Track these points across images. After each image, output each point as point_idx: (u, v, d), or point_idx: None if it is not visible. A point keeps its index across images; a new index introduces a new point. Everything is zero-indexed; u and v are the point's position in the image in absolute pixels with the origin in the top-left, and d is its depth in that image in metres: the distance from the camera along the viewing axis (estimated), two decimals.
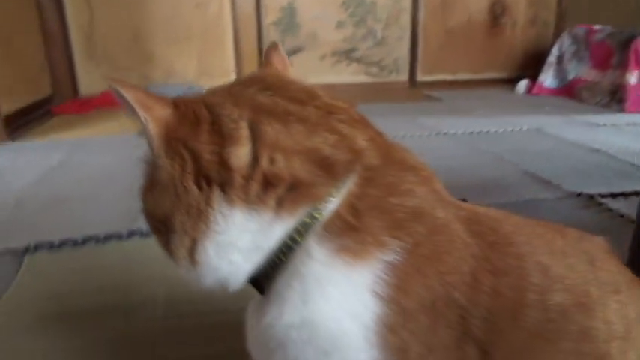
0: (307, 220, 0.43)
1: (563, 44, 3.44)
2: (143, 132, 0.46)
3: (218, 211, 0.44)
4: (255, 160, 0.44)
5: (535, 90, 3.49)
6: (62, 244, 1.23)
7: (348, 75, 3.84)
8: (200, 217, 0.44)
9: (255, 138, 0.44)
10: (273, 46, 0.58)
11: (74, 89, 3.33)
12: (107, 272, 1.12)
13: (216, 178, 0.44)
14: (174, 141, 0.45)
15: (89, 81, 3.34)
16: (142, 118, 0.45)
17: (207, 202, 0.44)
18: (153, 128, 0.45)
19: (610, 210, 1.48)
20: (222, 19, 3.49)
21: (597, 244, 0.53)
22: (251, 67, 3.60)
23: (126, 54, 3.37)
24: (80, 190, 1.71)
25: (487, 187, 1.71)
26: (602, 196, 1.57)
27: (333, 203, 0.43)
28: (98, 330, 0.92)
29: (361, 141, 0.46)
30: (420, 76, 3.96)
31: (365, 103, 3.28)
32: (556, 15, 4.01)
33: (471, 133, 2.44)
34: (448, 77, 4.01)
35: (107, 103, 3.03)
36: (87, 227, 1.33)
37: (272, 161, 0.44)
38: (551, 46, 3.55)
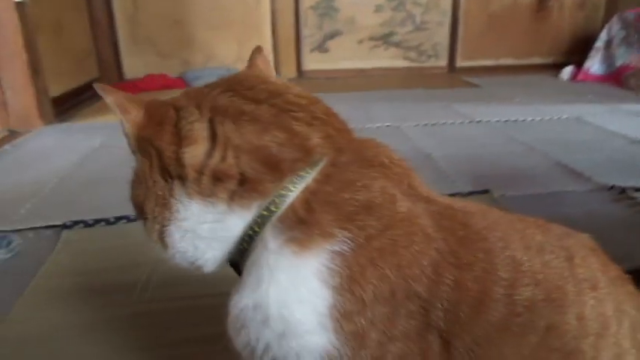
0: (265, 213, 0.46)
1: (612, 29, 3.28)
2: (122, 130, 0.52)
3: (179, 201, 0.49)
4: (208, 157, 0.48)
5: (580, 77, 3.36)
6: (96, 222, 1.31)
7: (385, 60, 3.81)
8: (165, 205, 0.50)
9: (212, 137, 0.48)
10: (258, 50, 0.62)
11: (119, 73, 3.47)
12: (135, 250, 1.19)
13: (174, 173, 0.49)
14: (144, 140, 0.51)
15: (133, 65, 3.47)
16: (120, 120, 0.51)
17: (171, 193, 0.49)
18: (128, 128, 0.51)
19: None
20: (261, 3, 3.53)
21: (580, 241, 0.54)
22: (288, 51, 3.63)
23: (167, 39, 3.47)
24: (117, 171, 1.78)
25: (514, 178, 1.68)
26: (636, 189, 1.52)
27: (289, 198, 0.46)
28: (123, 306, 0.99)
29: (315, 139, 0.49)
30: (460, 62, 3.88)
31: (401, 89, 3.28)
32: None
33: (507, 121, 2.39)
34: (489, 63, 3.92)
35: (151, 87, 3.15)
36: (120, 208, 1.41)
37: (223, 159, 0.47)
38: (600, 30, 3.40)
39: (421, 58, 3.85)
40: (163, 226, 0.50)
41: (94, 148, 2.07)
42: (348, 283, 0.42)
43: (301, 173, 0.46)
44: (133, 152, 0.53)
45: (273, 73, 0.60)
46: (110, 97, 0.50)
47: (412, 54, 3.83)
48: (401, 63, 3.83)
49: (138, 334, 0.92)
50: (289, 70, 3.67)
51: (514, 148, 2.00)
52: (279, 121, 0.49)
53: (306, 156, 0.47)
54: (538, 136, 2.12)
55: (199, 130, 0.49)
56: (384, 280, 0.43)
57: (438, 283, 0.44)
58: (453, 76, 3.74)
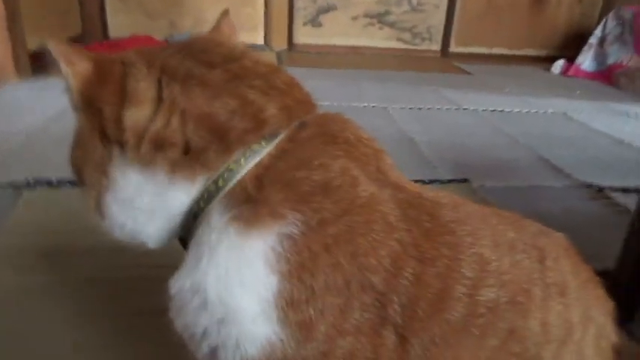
0: (211, 188, 0.43)
1: (608, 25, 3.25)
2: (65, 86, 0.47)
3: (117, 168, 0.45)
4: (150, 121, 0.43)
5: (571, 72, 3.34)
6: (60, 183, 1.26)
7: (379, 40, 3.74)
8: (103, 172, 0.46)
9: (157, 100, 0.44)
10: (224, 13, 0.58)
11: (104, 31, 3.34)
12: None
13: (113, 137, 0.45)
14: (86, 97, 0.46)
15: (119, 24, 3.35)
16: (64, 72, 0.46)
17: (109, 159, 0.45)
18: (72, 82, 0.46)
19: (617, 205, 1.42)
20: None
21: (555, 241, 0.51)
22: (280, 22, 3.54)
23: None
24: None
25: (495, 168, 1.66)
26: (614, 189, 1.52)
27: (239, 173, 0.42)
28: (82, 271, 0.95)
29: (271, 109, 0.44)
30: (453, 47, 3.83)
31: (392, 70, 3.23)
32: None
33: (494, 111, 2.36)
34: (483, 50, 3.87)
35: (136, 47, 3.04)
36: None
37: (166, 124, 0.43)
38: (595, 26, 3.37)
39: (415, 41, 3.79)
40: (100, 194, 0.46)
41: (68, 107, 1.99)
42: (297, 270, 0.39)
43: (254, 146, 0.43)
44: (75, 110, 0.48)
45: (238, 39, 0.56)
46: (55, 47, 0.45)
47: (406, 35, 3.76)
48: (394, 44, 3.76)
49: (95, 301, 0.88)
50: (279, 42, 3.58)
51: (499, 139, 1.98)
52: (231, 87, 0.44)
53: (258, 127, 0.43)
54: (524, 129, 2.11)
55: (145, 89, 0.44)
56: (337, 268, 0.39)
57: (396, 276, 0.41)
58: (446, 61, 3.69)
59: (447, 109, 2.35)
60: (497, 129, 2.10)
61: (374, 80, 2.81)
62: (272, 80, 0.47)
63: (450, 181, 1.48)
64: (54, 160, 1.44)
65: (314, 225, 0.40)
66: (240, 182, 0.42)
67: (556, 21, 3.86)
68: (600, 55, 3.28)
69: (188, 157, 0.43)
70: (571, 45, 3.71)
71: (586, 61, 3.32)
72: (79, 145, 0.48)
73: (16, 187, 1.25)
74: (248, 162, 0.42)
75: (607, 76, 3.18)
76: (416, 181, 1.50)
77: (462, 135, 2.00)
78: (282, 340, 0.39)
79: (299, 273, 0.39)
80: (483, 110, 2.36)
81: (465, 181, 1.48)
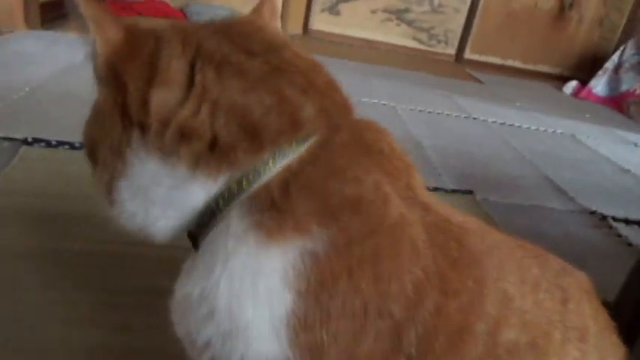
0: (234, 188, 0.39)
1: (625, 53, 3.23)
2: (90, 52, 0.43)
3: (135, 154, 0.41)
4: (178, 106, 0.40)
5: (583, 94, 3.32)
6: (59, 144, 1.22)
7: (395, 36, 3.69)
8: (119, 155, 0.42)
9: (188, 83, 0.40)
10: None
11: None
12: None
13: (135, 118, 0.41)
14: (113, 68, 0.42)
15: None
16: (92, 36, 0.42)
17: (127, 141, 0.41)
18: (100, 49, 0.42)
19: (619, 235, 1.41)
20: None
21: (578, 281, 0.49)
22: (298, 5, 3.48)
23: None
24: (94, 92, 1.69)
25: (500, 183, 1.64)
26: (616, 219, 1.50)
27: (266, 175, 0.39)
28: (73, 239, 0.92)
29: (309, 110, 0.41)
30: (468, 54, 3.79)
31: (404, 69, 3.18)
32: (627, 19, 3.76)
33: (503, 124, 2.34)
34: (497, 61, 3.84)
35: (148, 12, 2.98)
36: None
37: (195, 112, 0.39)
38: (612, 52, 3.34)
39: (430, 42, 3.74)
40: (113, 178, 0.42)
41: (76, 63, 1.94)
42: (316, 291, 0.36)
43: (285, 148, 0.39)
44: (98, 81, 0.44)
45: (279, 26, 0.52)
46: (88, 8, 0.41)
47: (423, 36, 3.72)
48: (409, 42, 3.72)
49: (89, 274, 0.85)
50: (295, 26, 3.53)
51: (506, 152, 1.96)
52: (270, 81, 0.41)
53: (293, 129, 0.40)
54: (531, 146, 2.08)
55: (177, 70, 0.40)
56: (357, 292, 0.36)
57: (416, 306, 0.38)
58: (459, 67, 3.66)
59: (456, 116, 2.32)
60: (506, 142, 2.07)
61: (385, 77, 2.78)
62: (312, 78, 0.43)
63: (454, 191, 1.46)
64: (55, 118, 1.41)
65: (340, 244, 0.37)
66: (266, 185, 0.39)
67: (574, 41, 3.83)
68: (614, 81, 3.26)
69: (214, 153, 0.39)
70: (585, 67, 3.69)
71: (599, 85, 3.30)
72: (96, 120, 0.44)
73: (14, 143, 1.21)
74: (277, 164, 0.39)
75: (618, 103, 3.17)
76: None
77: (469, 144, 1.98)
78: None
79: (317, 294, 0.36)
80: (493, 122, 2.33)
81: (469, 192, 1.46)
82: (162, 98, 0.40)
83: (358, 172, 0.39)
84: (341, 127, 0.42)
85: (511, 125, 2.34)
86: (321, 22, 3.59)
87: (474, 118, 2.33)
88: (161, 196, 0.41)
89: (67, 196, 1.04)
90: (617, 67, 3.27)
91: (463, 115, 2.34)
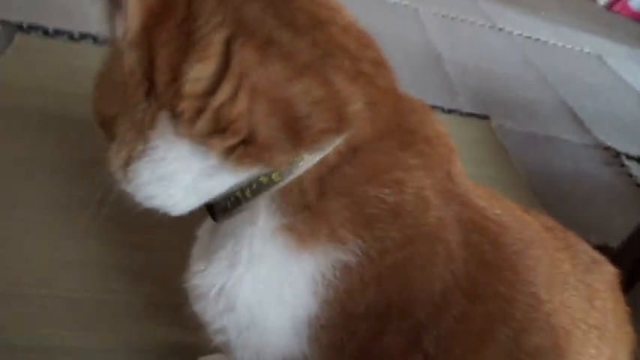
0: (264, 180, 0.35)
1: None
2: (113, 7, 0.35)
3: (161, 136, 0.36)
4: (214, 87, 0.34)
5: (617, 7, 3.09)
6: (57, 33, 1.13)
7: None
8: (141, 134, 0.36)
9: (224, 62, 0.34)
10: None
11: None
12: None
13: (164, 96, 0.35)
14: (144, 32, 0.35)
15: None
16: None
17: (152, 121, 0.36)
18: (133, 8, 0.34)
19: (630, 175, 1.38)
20: None
21: (605, 277, 0.48)
22: None
23: None
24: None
25: (517, 108, 1.58)
26: (629, 157, 1.47)
27: (300, 169, 0.35)
28: (67, 148, 0.88)
29: (356, 104, 0.36)
30: None
31: None
32: None
33: (528, 37, 2.20)
34: None
35: None
36: (91, 24, 1.22)
37: (232, 99, 0.34)
38: None
39: None
40: (132, 158, 0.37)
41: None
42: (342, 299, 0.34)
43: (326, 145, 0.35)
44: (121, 41, 0.36)
45: None
46: None
47: None
48: None
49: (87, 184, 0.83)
50: None
51: (527, 72, 1.86)
52: (317, 67, 0.35)
53: (339, 126, 0.35)
54: (553, 65, 1.98)
55: (216, 43, 0.34)
56: (383, 299, 0.35)
57: (442, 311, 0.36)
58: None
59: (480, 25, 2.17)
60: (527, 60, 1.96)
61: None
62: (361, 61, 0.37)
63: (469, 115, 1.40)
64: (52, 3, 1.29)
65: (374, 255, 0.34)
66: (300, 181, 0.35)
67: None
68: None
69: (248, 147, 0.35)
70: None
71: None
72: (115, 90, 0.38)
73: (7, 28, 1.12)
74: (314, 159, 0.35)
75: None
76: (433, 107, 1.38)
77: (489, 60, 1.87)
78: (305, 357, 0.35)
79: (343, 301, 0.34)
80: (517, 34, 2.19)
81: (485, 117, 1.40)
82: (198, 75, 0.34)
83: (399, 175, 0.36)
84: (385, 117, 0.37)
85: (536, 40, 2.20)
86: None
87: (499, 30, 2.18)
88: (186, 182, 0.37)
89: (61, 93, 0.98)
90: None
91: (488, 25, 2.19)
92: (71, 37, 1.14)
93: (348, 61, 0.36)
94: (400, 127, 0.38)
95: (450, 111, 1.38)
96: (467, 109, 1.43)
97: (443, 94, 1.49)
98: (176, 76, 0.34)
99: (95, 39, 1.14)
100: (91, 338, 0.64)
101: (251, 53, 0.34)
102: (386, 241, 0.34)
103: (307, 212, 0.34)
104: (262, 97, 0.34)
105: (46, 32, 1.12)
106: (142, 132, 0.36)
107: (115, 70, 0.37)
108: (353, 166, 0.35)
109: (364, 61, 0.37)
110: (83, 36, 1.14)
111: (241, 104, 0.34)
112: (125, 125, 0.37)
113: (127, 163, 0.38)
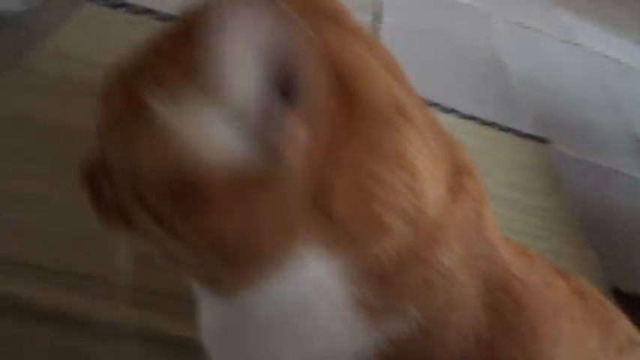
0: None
1: None
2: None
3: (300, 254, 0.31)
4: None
5: None
6: (119, 6, 1.14)
7: None
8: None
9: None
10: None
11: None
12: None
13: (315, 197, 0.30)
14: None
15: None
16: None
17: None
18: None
19: None
20: None
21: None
22: None
23: None
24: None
25: (582, 134, 1.47)
26: None
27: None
28: None
29: (438, 190, 0.33)
30: None
31: None
32: None
33: (608, 57, 2.02)
34: None
35: None
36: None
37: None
38: None
39: None
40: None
41: None
42: None
43: None
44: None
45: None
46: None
47: None
48: None
49: None
50: None
51: (600, 97, 1.73)
52: (395, 139, 0.31)
53: (416, 223, 0.31)
54: (633, 91, 1.83)
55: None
56: None
57: None
58: None
59: (556, 37, 2.03)
60: (604, 82, 1.82)
61: None
62: (436, 121, 0.35)
63: (528, 136, 1.32)
64: None
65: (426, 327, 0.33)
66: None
67: None
68: None
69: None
70: None
71: None
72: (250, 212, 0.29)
73: None
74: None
75: None
76: (489, 124, 1.30)
77: (561, 77, 1.75)
78: None
79: None
80: (597, 52, 2.02)
81: (545, 142, 1.32)
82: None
83: (460, 276, 0.34)
84: (454, 194, 0.34)
85: (618, 61, 2.03)
86: None
87: (576, 45, 2.04)
88: None
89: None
90: None
91: (565, 38, 2.05)
92: (134, 10, 1.14)
93: (429, 129, 0.34)
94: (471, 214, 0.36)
95: (507, 129, 1.31)
96: (526, 129, 1.35)
97: (502, 109, 1.41)
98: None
99: (158, 14, 1.14)
100: None
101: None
102: (434, 310, 0.33)
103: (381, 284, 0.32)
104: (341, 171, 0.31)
105: (108, 3, 1.13)
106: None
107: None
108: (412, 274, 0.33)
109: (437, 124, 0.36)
110: (147, 11, 1.15)
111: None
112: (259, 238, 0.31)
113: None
